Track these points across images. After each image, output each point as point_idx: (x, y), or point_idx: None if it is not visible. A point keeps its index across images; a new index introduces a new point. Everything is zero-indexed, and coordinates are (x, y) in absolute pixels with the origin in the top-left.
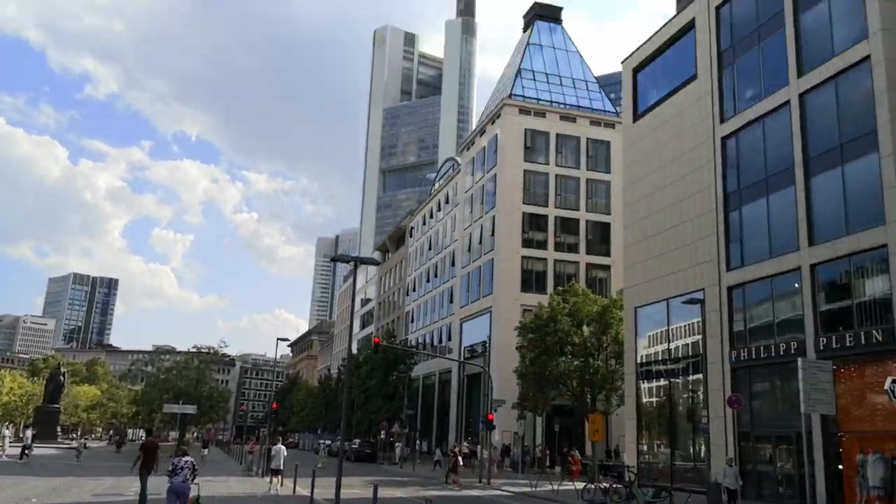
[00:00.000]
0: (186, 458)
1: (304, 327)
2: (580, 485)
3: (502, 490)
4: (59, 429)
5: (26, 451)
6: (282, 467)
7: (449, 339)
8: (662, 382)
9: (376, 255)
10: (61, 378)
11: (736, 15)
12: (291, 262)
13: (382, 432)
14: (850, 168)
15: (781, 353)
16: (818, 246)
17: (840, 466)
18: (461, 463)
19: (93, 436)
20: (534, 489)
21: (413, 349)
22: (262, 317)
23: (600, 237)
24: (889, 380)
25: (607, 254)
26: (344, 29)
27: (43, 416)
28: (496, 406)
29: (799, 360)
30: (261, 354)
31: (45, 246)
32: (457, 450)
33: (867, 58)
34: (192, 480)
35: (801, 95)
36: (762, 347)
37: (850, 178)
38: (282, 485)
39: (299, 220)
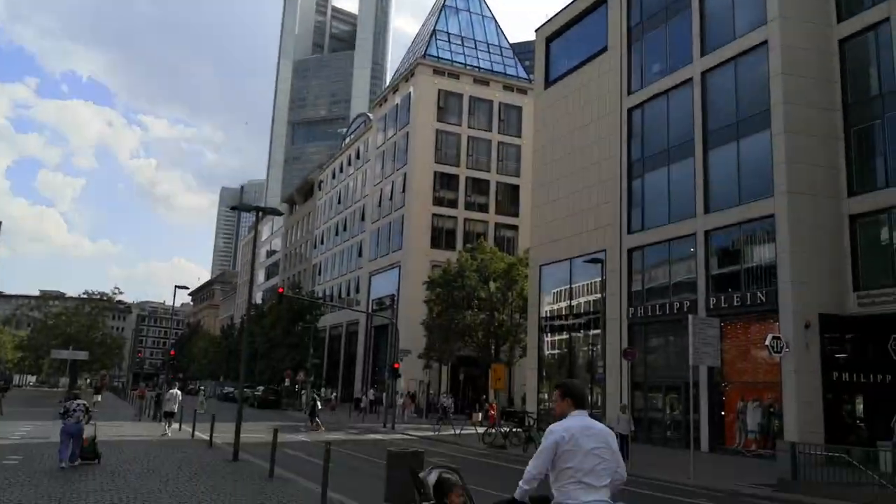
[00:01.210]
0: (78, 402)
1: (206, 277)
2: (481, 429)
3: (406, 434)
4: None
5: None
6: (175, 411)
7: (357, 291)
8: (563, 336)
9: (283, 207)
10: None
11: None
12: (192, 210)
13: (287, 380)
14: (744, 143)
15: (675, 311)
16: (713, 214)
17: (723, 413)
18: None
19: None
20: (437, 433)
21: (320, 300)
22: (161, 265)
23: (509, 198)
24: (769, 336)
25: (516, 214)
26: None
27: None
28: (402, 356)
29: (689, 316)
30: (160, 302)
31: None
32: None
33: (765, 42)
34: (86, 422)
35: (703, 73)
36: (657, 306)
37: (744, 153)
38: (179, 429)
39: (201, 169)
